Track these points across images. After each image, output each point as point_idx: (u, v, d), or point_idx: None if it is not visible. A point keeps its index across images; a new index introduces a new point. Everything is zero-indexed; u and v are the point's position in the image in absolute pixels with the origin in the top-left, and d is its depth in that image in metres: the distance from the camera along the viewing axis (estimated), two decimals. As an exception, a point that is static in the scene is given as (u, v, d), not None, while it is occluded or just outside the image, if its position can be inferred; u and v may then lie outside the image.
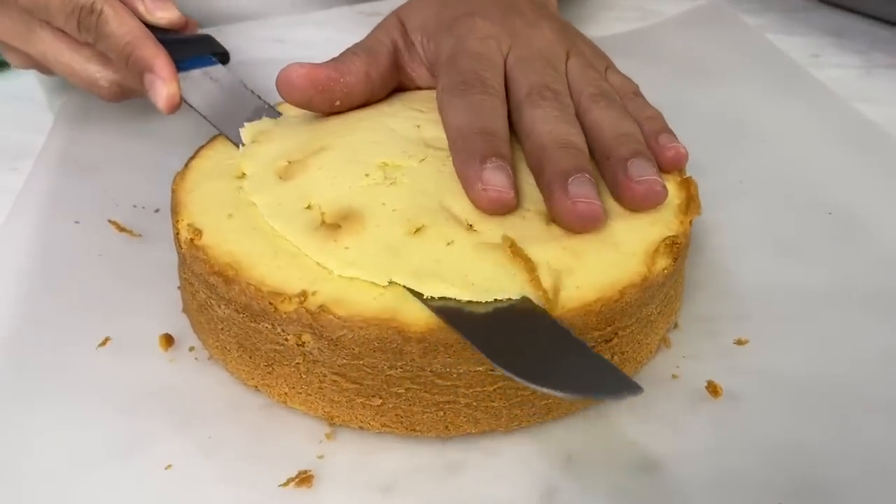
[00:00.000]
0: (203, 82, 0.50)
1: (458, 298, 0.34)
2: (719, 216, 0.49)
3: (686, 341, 0.41)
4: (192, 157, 0.44)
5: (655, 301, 0.38)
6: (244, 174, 0.41)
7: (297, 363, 0.36)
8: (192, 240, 0.37)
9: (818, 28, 0.74)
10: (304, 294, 0.34)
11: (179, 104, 0.49)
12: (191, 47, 0.52)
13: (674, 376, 0.39)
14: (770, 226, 0.49)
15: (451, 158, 0.40)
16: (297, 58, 0.44)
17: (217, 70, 0.52)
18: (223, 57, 0.53)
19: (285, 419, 0.37)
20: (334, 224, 0.37)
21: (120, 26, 0.48)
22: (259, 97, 0.50)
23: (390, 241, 0.36)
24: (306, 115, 0.46)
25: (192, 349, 0.40)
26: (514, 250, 0.35)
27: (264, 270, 0.35)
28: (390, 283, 0.34)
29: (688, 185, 0.41)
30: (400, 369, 0.34)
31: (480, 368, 0.34)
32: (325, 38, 0.59)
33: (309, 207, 0.38)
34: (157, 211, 0.50)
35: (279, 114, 0.48)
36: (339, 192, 0.38)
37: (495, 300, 0.34)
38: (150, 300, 0.43)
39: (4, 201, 0.50)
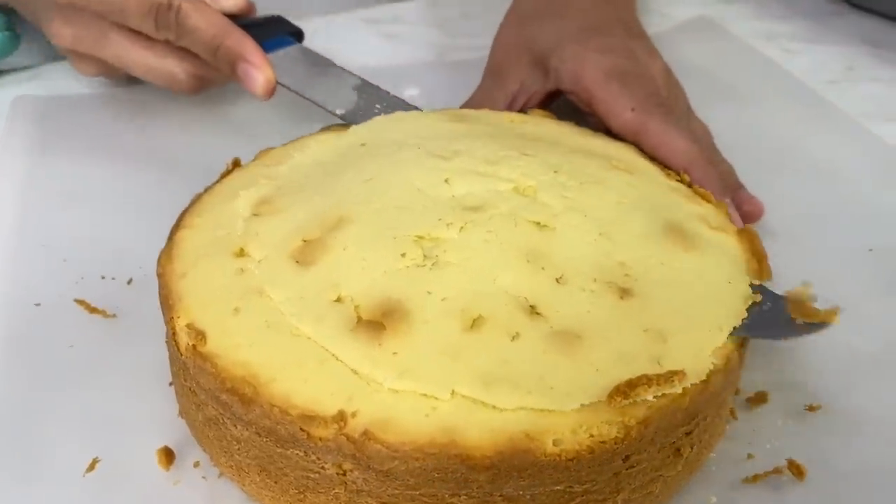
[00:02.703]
0: (289, 63, 0.49)
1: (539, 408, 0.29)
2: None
3: (750, 412, 0.37)
4: (176, 229, 0.37)
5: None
6: (242, 250, 0.35)
7: (337, 492, 0.30)
8: (194, 346, 0.31)
9: (852, 36, 0.67)
10: (342, 416, 0.28)
11: (275, 88, 0.48)
12: (267, 30, 0.50)
13: (749, 455, 0.35)
14: (808, 271, 0.44)
15: (493, 221, 0.35)
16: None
17: (298, 49, 0.51)
18: (298, 36, 0.52)
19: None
20: (374, 321, 0.31)
21: (202, 19, 0.47)
22: (351, 73, 0.49)
23: (446, 340, 0.30)
24: (310, 168, 0.39)
25: (197, 464, 0.34)
26: (623, 396, 0.29)
27: (289, 385, 0.30)
28: (453, 393, 0.29)
29: (750, 239, 0.37)
30: (465, 496, 0.29)
31: (559, 487, 0.29)
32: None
33: (339, 300, 0.32)
34: (129, 282, 0.43)
35: (379, 88, 0.47)
36: (373, 278, 0.32)
37: None
38: (138, 402, 0.37)
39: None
